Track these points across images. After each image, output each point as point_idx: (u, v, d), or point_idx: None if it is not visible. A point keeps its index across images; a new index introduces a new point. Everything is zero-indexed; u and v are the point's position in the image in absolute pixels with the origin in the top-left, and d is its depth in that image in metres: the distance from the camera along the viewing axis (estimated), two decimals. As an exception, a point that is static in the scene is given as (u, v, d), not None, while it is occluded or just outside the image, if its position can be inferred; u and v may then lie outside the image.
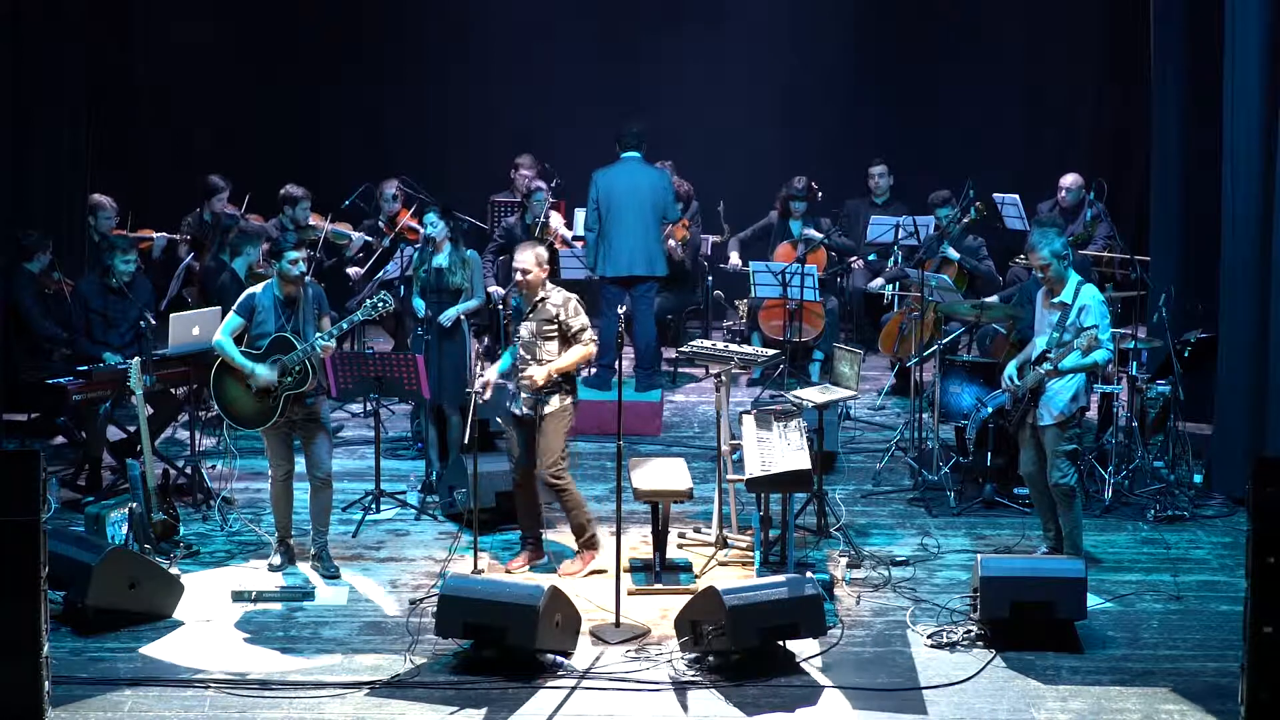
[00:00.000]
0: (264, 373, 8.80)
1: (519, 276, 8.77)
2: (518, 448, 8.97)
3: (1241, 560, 7.33)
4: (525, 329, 8.82)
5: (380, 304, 9.07)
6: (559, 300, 8.82)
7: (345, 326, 9.06)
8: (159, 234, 12.86)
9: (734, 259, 13.46)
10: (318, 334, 8.88)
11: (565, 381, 8.84)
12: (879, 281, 13.22)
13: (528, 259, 8.78)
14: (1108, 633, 8.23)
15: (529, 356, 8.80)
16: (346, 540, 9.50)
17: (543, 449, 8.82)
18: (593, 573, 8.92)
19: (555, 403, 8.80)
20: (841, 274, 13.54)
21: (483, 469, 9.11)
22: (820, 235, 13.16)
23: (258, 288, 9.01)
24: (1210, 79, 10.49)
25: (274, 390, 8.80)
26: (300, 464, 9.09)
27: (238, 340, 8.90)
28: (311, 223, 12.94)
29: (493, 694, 7.55)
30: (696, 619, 7.80)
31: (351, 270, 13.00)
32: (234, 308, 9.01)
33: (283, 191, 12.88)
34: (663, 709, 7.43)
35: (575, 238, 13.41)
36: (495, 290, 12.65)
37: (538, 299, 8.81)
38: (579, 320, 8.81)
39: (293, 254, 8.84)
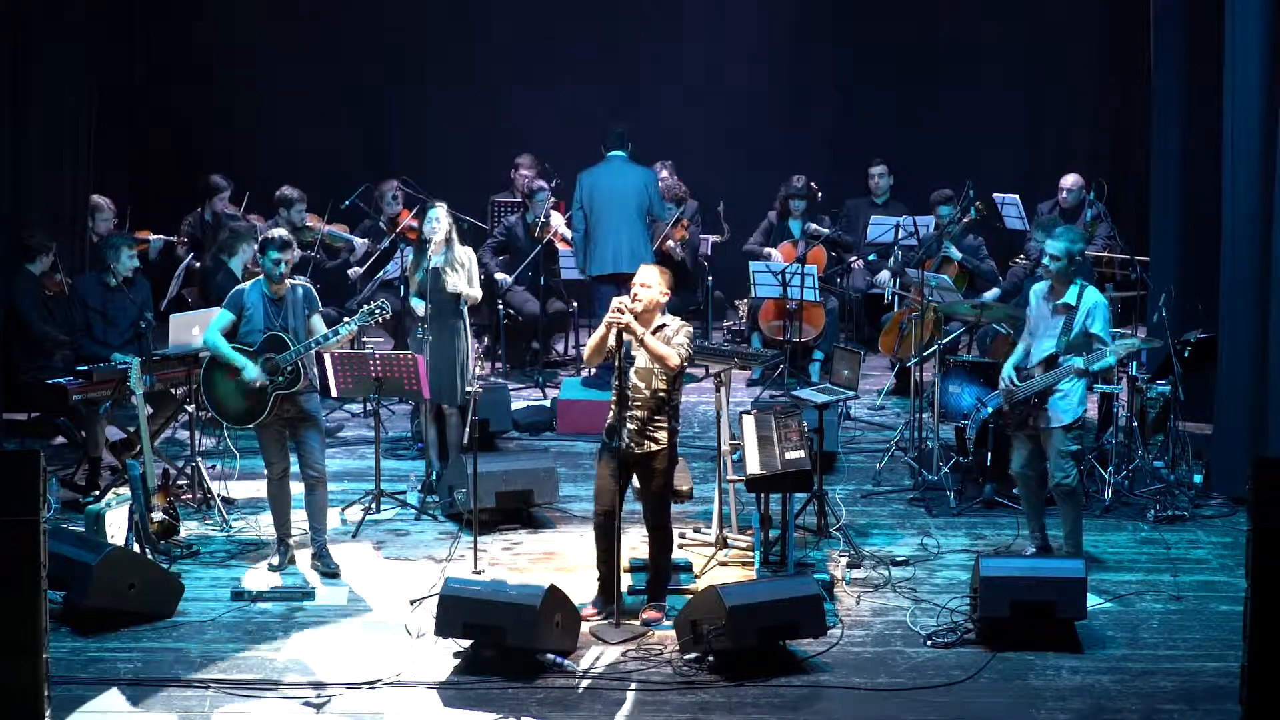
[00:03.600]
0: (253, 373, 8.79)
1: (637, 290, 8.12)
2: (611, 483, 8.20)
3: (1241, 560, 7.34)
4: (641, 356, 8.12)
5: (378, 310, 9.04)
6: (676, 326, 8.19)
7: (342, 332, 8.88)
8: (156, 236, 12.85)
9: (773, 253, 13.22)
10: (316, 336, 8.87)
11: (672, 418, 8.24)
12: (884, 275, 13.09)
13: (652, 276, 8.23)
14: (1108, 633, 8.23)
15: (643, 385, 8.14)
16: (346, 540, 9.50)
17: (655, 488, 8.23)
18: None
19: (664, 440, 8.18)
20: (841, 274, 13.54)
21: (483, 469, 9.11)
22: (825, 230, 13.17)
23: (246, 284, 9.01)
24: (1210, 79, 10.48)
25: (265, 388, 8.80)
26: (296, 462, 9.10)
27: (229, 336, 8.89)
28: (308, 224, 12.95)
29: (493, 694, 7.55)
30: (696, 619, 7.80)
31: (351, 271, 13.01)
32: (223, 304, 9.01)
33: (278, 193, 12.89)
34: (663, 709, 7.43)
35: (576, 238, 13.44)
36: (503, 277, 12.77)
37: (656, 325, 8.15)
38: (687, 342, 8.22)
39: (274, 254, 8.80)
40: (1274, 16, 9.82)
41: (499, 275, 12.90)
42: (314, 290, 9.12)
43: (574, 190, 12.07)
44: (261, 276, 8.92)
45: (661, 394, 8.16)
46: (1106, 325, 8.64)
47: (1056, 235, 8.75)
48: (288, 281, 8.92)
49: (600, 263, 11.82)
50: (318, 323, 8.98)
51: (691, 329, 8.33)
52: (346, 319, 9.05)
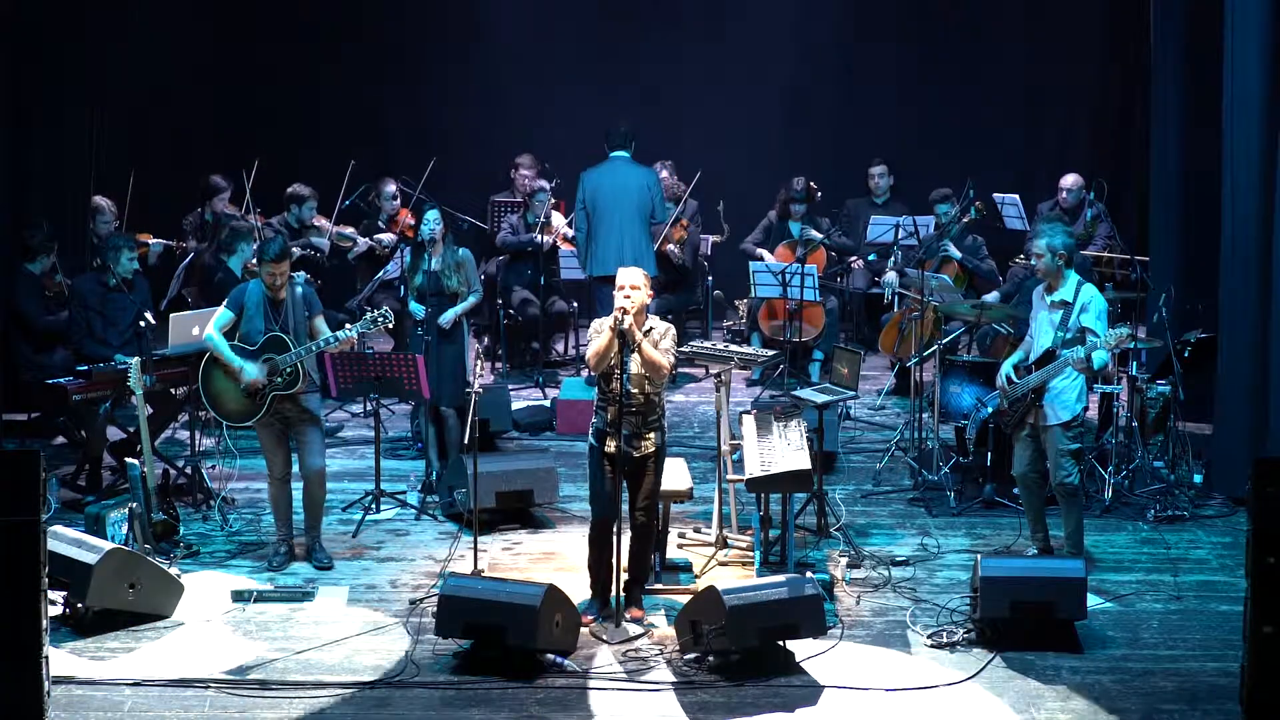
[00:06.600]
0: (253, 372, 8.81)
1: (628, 292, 8.06)
2: (612, 487, 8.16)
3: (1241, 560, 7.35)
4: (635, 362, 8.08)
5: (381, 318, 9.06)
6: (663, 328, 8.22)
7: (343, 337, 8.93)
8: (155, 240, 12.83)
9: (767, 256, 13.22)
10: (318, 340, 8.89)
11: (661, 416, 8.25)
12: (892, 276, 12.99)
13: (639, 277, 8.15)
14: (1108, 633, 8.23)
15: (636, 390, 8.10)
16: (346, 540, 9.50)
17: (649, 486, 8.23)
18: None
19: (656, 440, 8.21)
20: (841, 274, 13.54)
21: (483, 469, 9.11)
22: (820, 235, 13.16)
23: (248, 283, 9.05)
24: (1210, 79, 10.49)
25: (262, 388, 8.81)
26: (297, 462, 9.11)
27: (230, 335, 8.90)
28: (316, 223, 12.94)
29: (493, 694, 7.55)
30: (696, 619, 7.80)
31: (360, 245, 13.05)
32: (224, 302, 9.04)
33: (290, 190, 12.90)
34: (663, 709, 7.43)
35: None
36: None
37: (646, 328, 8.15)
38: (674, 345, 8.28)
39: (269, 268, 8.81)
40: (1274, 17, 9.82)
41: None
42: (314, 291, 9.12)
43: (576, 190, 12.07)
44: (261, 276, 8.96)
45: (654, 396, 8.19)
46: (1103, 319, 8.63)
47: (1037, 234, 8.79)
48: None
49: (602, 263, 11.81)
50: (320, 324, 9.01)
51: (674, 330, 8.35)
52: (348, 324, 9.08)
